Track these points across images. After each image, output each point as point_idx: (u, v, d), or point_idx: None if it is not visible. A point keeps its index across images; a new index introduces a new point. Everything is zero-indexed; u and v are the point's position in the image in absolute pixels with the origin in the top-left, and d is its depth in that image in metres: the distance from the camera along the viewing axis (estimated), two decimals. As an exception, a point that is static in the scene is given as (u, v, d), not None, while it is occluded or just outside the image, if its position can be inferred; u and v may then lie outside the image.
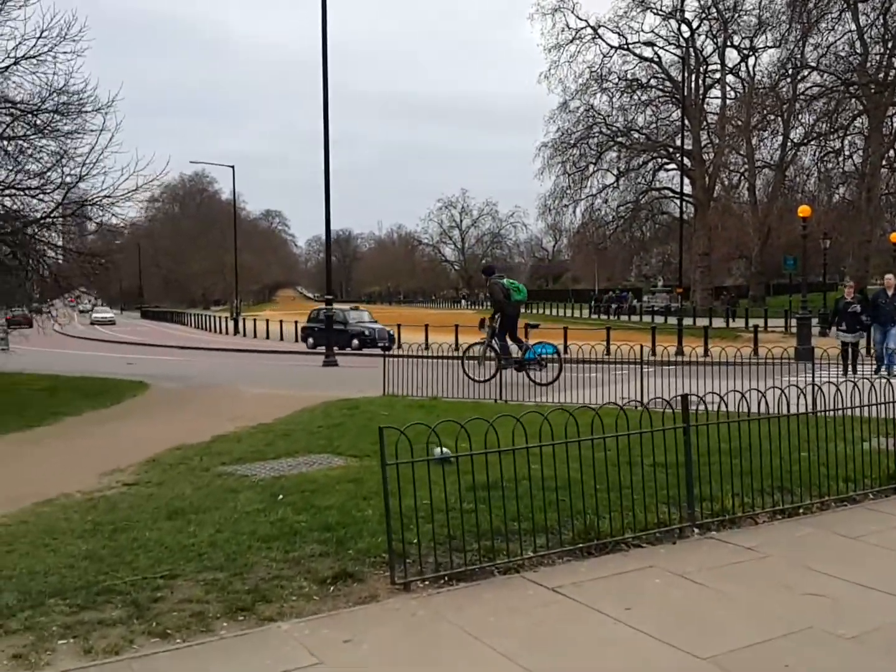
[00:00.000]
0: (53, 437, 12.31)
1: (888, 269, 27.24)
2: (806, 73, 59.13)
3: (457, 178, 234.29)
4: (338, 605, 5.31)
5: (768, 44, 62.24)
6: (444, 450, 6.82)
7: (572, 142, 66.76)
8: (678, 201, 45.06)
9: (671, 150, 63.25)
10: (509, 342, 18.11)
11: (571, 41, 64.63)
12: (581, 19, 64.49)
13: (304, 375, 21.32)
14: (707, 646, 4.64)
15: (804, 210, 34.86)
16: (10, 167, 18.68)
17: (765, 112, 60.69)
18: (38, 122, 17.88)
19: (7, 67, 16.85)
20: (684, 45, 63.08)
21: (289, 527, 6.67)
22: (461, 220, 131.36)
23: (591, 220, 69.20)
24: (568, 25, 64.43)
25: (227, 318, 60.38)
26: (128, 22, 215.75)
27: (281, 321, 47.46)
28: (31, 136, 18.36)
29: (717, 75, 66.08)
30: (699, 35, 65.05)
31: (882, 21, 54.83)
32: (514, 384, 15.49)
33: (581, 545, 6.23)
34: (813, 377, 13.15)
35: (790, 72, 59.27)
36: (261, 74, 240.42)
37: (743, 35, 63.59)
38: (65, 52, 17.07)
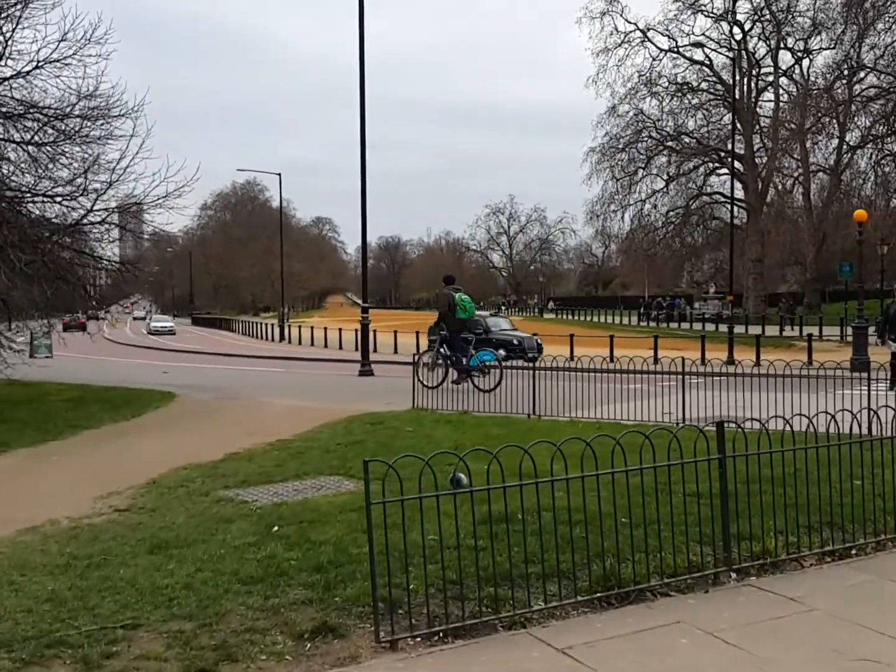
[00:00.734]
0: (63, 452, 11.84)
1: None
2: (862, 74, 57.54)
3: (504, 184, 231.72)
4: (312, 667, 4.63)
5: (823, 45, 60.87)
6: (460, 475, 6.17)
7: (621, 146, 65.61)
8: (730, 206, 43.80)
9: (723, 154, 61.89)
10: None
11: (620, 45, 63.71)
12: (630, 22, 63.51)
13: (338, 385, 20.75)
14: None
15: (860, 215, 33.41)
16: (38, 173, 18.38)
17: (819, 115, 59.06)
18: (65, 127, 17.52)
19: (29, 72, 16.50)
20: (736, 47, 61.71)
21: (276, 566, 6.02)
22: (509, 227, 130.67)
23: (639, 225, 67.96)
24: (616, 29, 63.54)
25: (273, 324, 60.26)
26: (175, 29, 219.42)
27: (325, 328, 47.09)
28: (60, 142, 18.02)
29: (770, 78, 64.56)
30: (751, 37, 63.70)
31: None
32: (549, 399, 14.64)
33: (599, 594, 5.48)
34: (869, 391, 12.30)
35: (846, 73, 57.68)
36: (317, 84, 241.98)
37: (797, 37, 62.14)
38: (90, 56, 16.71)
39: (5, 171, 18.50)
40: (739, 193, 60.67)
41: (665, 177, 66.63)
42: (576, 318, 78.80)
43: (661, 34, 63.37)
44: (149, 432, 13.61)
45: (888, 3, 54.84)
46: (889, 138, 56.93)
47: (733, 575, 5.94)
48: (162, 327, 72.50)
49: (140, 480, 9.25)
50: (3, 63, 16.49)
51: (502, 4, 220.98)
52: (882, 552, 6.56)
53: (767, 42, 63.43)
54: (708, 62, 63.88)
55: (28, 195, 18.29)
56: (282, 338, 55.26)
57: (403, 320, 56.42)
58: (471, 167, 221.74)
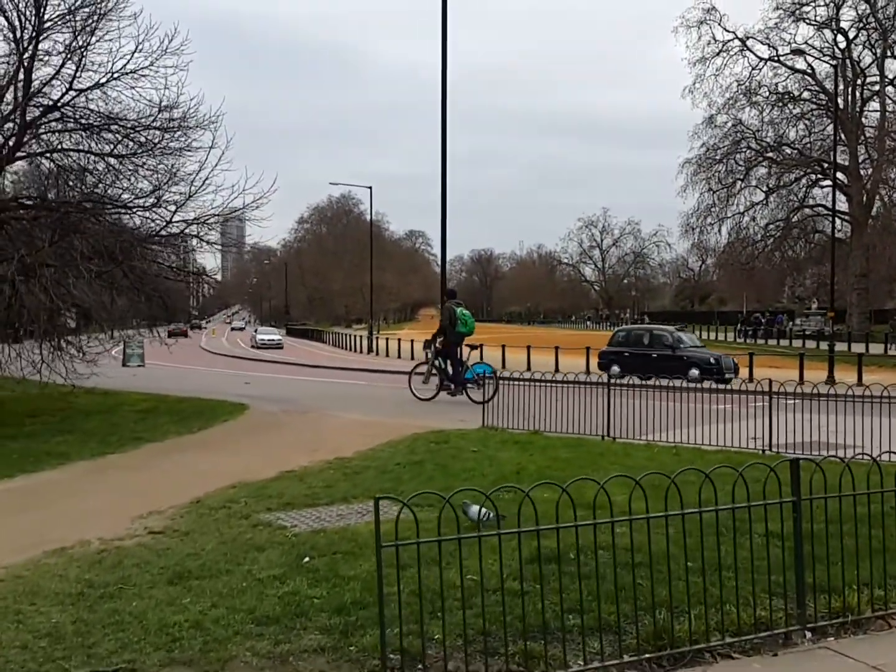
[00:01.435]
0: (118, 467, 11.60)
1: None
2: (975, 82, 54.73)
3: (596, 196, 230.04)
4: (308, 731, 4.10)
5: (932, 53, 58.09)
6: (473, 507, 5.67)
7: (718, 157, 63.85)
8: (832, 219, 41.98)
9: (826, 165, 59.61)
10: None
11: (718, 54, 62.07)
12: (728, 31, 61.83)
13: (415, 400, 20.23)
14: None
15: (973, 228, 31.61)
16: (121, 186, 18.46)
17: (928, 125, 56.47)
18: (144, 139, 17.52)
19: (105, 83, 16.51)
20: (840, 56, 59.47)
21: (296, 604, 5.52)
22: (602, 240, 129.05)
23: (737, 238, 65.95)
24: (714, 38, 61.94)
25: (363, 336, 60.33)
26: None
27: (412, 340, 46.76)
28: (140, 154, 18.04)
29: (876, 87, 61.90)
30: (856, 45, 61.11)
31: None
32: (622, 420, 13.80)
33: (649, 654, 4.79)
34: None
35: (956, 81, 54.97)
36: (414, 99, 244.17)
37: (904, 45, 59.54)
38: (166, 67, 16.66)
39: (88, 183, 18.64)
40: (843, 206, 58.38)
41: (765, 189, 64.57)
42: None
43: (761, 43, 61.56)
44: (210, 447, 13.33)
45: None
46: None
47: (808, 634, 5.18)
48: (269, 340, 65.33)
49: (184, 500, 8.88)
50: (80, 75, 16.54)
51: (592, 15, 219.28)
52: None
53: (873, 50, 60.90)
54: (810, 71, 61.69)
55: (109, 206, 18.38)
56: (370, 350, 55.25)
57: (498, 333, 55.76)
58: (562, 179, 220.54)
